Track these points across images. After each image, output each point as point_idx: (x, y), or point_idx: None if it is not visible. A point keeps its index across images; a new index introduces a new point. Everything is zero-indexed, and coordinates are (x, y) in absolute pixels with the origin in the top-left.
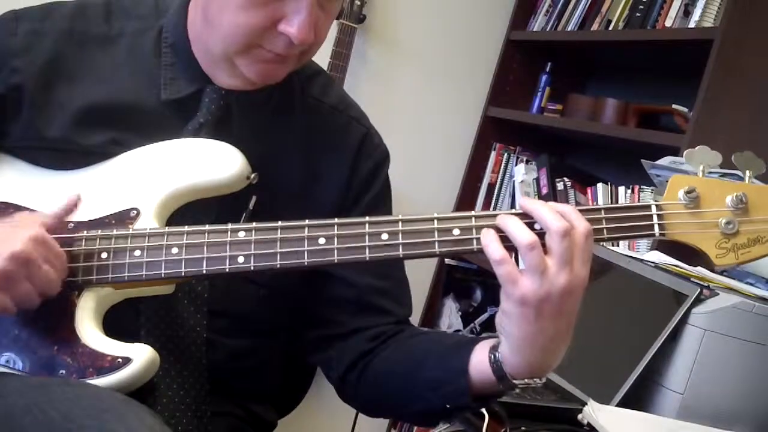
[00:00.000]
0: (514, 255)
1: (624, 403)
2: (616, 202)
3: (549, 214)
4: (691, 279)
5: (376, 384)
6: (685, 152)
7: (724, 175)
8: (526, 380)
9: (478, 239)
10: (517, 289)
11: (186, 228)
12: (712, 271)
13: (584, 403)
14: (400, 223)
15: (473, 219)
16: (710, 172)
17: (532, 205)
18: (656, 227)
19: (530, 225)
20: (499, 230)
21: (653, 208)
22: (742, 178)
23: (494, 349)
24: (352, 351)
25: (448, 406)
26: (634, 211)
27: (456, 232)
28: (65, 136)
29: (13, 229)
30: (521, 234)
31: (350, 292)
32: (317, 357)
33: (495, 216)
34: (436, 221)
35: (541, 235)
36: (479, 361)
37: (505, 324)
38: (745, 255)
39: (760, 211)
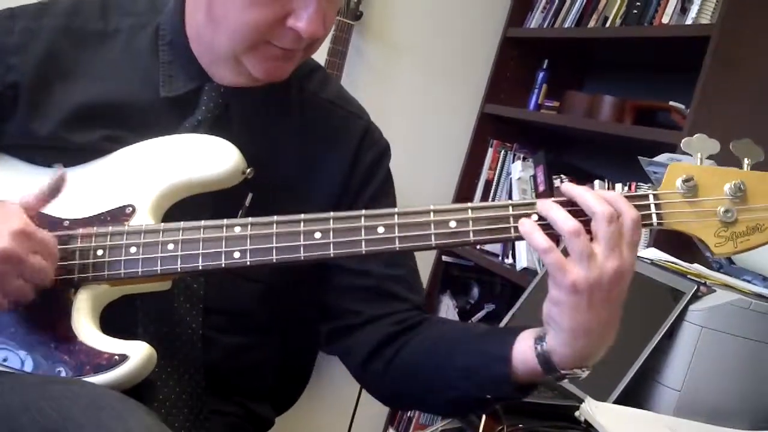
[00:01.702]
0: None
1: (621, 401)
2: None
3: (593, 199)
4: (688, 276)
5: (404, 374)
6: (683, 140)
7: None
8: (574, 370)
9: (473, 231)
10: (567, 277)
11: (182, 224)
12: (710, 264)
13: (581, 400)
14: (396, 216)
15: (469, 211)
16: None
17: (575, 190)
18: (654, 216)
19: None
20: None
21: (651, 197)
22: None
23: (539, 339)
24: (372, 338)
25: (488, 396)
26: (631, 200)
27: (452, 224)
28: (60, 134)
29: None
30: (565, 221)
31: (365, 281)
32: (334, 348)
33: (491, 208)
34: (432, 213)
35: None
36: (522, 350)
37: (555, 314)
38: (744, 243)
39: (758, 199)
